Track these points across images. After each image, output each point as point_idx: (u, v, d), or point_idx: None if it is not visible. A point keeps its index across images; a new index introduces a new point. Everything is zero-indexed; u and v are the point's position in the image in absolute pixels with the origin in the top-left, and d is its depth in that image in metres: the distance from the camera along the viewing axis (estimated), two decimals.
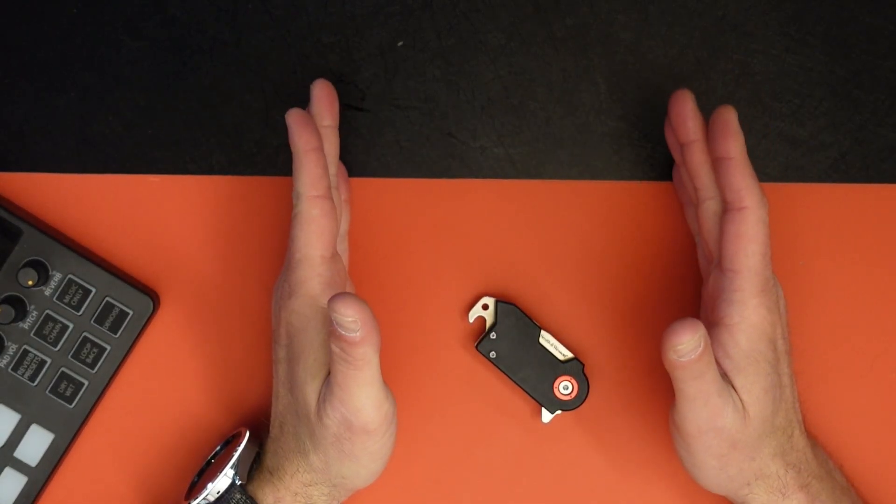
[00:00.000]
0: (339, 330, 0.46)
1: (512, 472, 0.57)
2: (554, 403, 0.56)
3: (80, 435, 0.57)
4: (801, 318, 0.57)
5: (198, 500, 0.51)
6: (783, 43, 0.58)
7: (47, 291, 0.56)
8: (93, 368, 0.56)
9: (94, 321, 0.56)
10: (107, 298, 0.56)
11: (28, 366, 0.56)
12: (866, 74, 0.58)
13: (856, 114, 0.58)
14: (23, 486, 0.56)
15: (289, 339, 0.51)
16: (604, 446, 0.57)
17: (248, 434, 0.53)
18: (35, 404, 0.56)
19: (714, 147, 0.51)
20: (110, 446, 0.58)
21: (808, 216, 0.58)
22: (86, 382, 0.56)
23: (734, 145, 0.50)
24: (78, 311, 0.56)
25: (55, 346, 0.56)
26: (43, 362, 0.56)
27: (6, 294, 0.56)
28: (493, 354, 0.56)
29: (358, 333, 0.46)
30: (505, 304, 0.56)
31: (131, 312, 0.56)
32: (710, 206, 0.52)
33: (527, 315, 0.56)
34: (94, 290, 0.56)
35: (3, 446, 0.56)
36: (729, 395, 0.49)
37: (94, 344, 0.56)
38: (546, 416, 0.56)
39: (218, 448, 0.55)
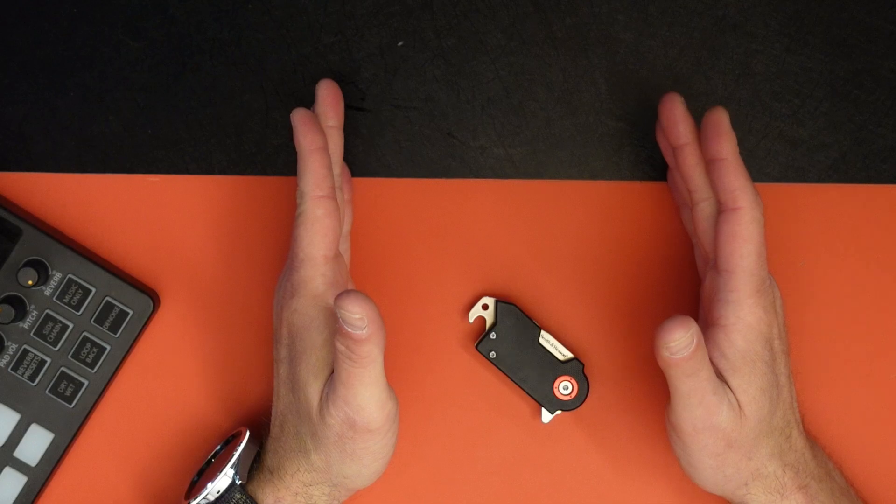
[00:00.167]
0: (345, 327, 0.46)
1: (512, 472, 0.57)
2: (554, 403, 0.56)
3: (80, 435, 0.57)
4: (800, 318, 0.57)
5: (198, 500, 0.51)
6: (783, 43, 0.58)
7: (47, 291, 0.56)
8: (93, 368, 0.56)
9: (94, 321, 0.56)
10: (107, 298, 0.56)
11: (28, 365, 0.56)
12: (866, 74, 0.58)
13: (856, 114, 0.58)
14: (23, 486, 0.56)
15: (291, 339, 0.51)
16: (604, 446, 0.57)
17: (248, 433, 0.53)
18: (35, 404, 0.56)
19: (707, 148, 0.51)
20: (110, 446, 0.58)
21: (808, 216, 0.58)
22: (86, 382, 0.56)
23: (726, 146, 0.50)
24: (78, 311, 0.56)
25: (55, 346, 0.56)
26: (43, 362, 0.56)
27: (6, 294, 0.56)
28: (493, 354, 0.56)
29: (364, 331, 0.46)
30: (505, 304, 0.56)
31: (131, 312, 0.56)
32: (704, 208, 0.52)
33: (527, 315, 0.56)
34: (93, 290, 0.56)
35: (3, 446, 0.56)
36: (724, 394, 0.49)
37: (93, 344, 0.56)
38: (546, 416, 0.56)
39: (218, 448, 0.55)
